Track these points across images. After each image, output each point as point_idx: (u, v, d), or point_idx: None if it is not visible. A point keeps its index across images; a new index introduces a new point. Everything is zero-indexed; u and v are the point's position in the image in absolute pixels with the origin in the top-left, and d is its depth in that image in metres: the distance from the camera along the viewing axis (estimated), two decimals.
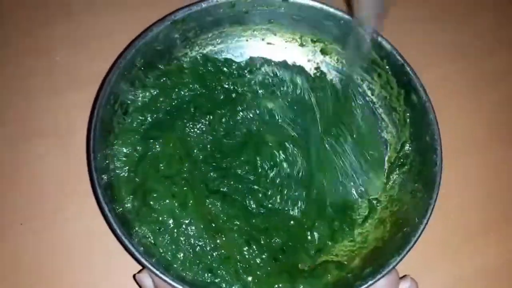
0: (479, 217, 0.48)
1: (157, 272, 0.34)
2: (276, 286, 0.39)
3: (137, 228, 0.39)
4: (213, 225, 0.41)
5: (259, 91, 0.48)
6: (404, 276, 0.40)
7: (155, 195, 0.40)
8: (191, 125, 0.45)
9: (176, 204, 0.40)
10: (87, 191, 0.42)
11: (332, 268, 0.40)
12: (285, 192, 0.44)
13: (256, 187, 0.44)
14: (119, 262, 0.41)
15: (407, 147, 0.45)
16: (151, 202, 0.40)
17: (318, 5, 0.45)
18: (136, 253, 0.34)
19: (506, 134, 0.53)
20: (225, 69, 0.48)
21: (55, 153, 0.45)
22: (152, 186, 0.40)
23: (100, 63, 0.46)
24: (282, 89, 0.48)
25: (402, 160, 0.45)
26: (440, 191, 0.39)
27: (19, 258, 0.41)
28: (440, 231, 0.46)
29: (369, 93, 0.48)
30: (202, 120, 0.45)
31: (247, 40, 0.49)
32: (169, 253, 0.39)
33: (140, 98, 0.44)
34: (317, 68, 0.49)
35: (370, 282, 0.36)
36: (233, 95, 0.47)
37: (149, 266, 0.34)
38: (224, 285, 0.38)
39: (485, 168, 0.51)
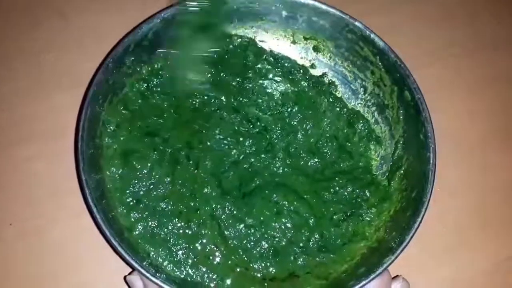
0: (474, 219, 0.48)
1: (147, 275, 0.33)
2: None
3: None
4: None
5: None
6: (396, 276, 0.39)
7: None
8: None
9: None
10: (76, 193, 0.41)
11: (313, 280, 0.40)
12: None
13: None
14: (110, 264, 0.40)
15: (400, 145, 0.44)
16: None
17: (310, 2, 0.44)
18: (127, 256, 0.34)
19: (501, 135, 0.53)
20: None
21: (44, 155, 0.44)
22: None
23: (89, 64, 0.45)
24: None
25: (397, 164, 0.44)
26: (435, 193, 0.39)
27: (8, 260, 0.41)
28: (434, 233, 0.46)
29: (362, 91, 0.48)
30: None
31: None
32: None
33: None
34: (311, 66, 0.49)
35: (363, 282, 0.35)
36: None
37: (140, 268, 0.34)
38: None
39: (480, 170, 0.50)
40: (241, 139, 0.44)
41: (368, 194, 0.43)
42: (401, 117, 0.44)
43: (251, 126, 0.46)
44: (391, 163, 0.45)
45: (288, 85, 0.48)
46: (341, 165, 0.45)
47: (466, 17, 0.58)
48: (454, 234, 0.47)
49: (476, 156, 0.51)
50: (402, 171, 0.43)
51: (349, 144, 0.46)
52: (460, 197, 0.49)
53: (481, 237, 0.47)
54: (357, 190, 0.44)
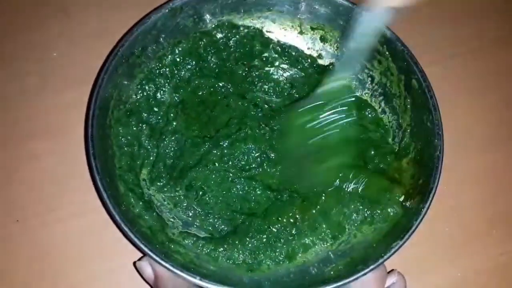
0: (479, 217, 0.48)
1: (158, 259, 0.34)
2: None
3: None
4: None
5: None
6: (392, 270, 0.39)
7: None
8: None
9: None
10: (84, 189, 0.42)
11: None
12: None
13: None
14: (118, 254, 0.41)
15: (407, 134, 0.44)
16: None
17: None
18: (137, 241, 0.34)
19: (506, 132, 0.52)
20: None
21: (51, 151, 0.45)
22: None
23: (94, 61, 0.45)
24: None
25: (404, 153, 0.44)
26: (439, 191, 0.38)
27: (15, 256, 0.41)
28: (438, 231, 0.46)
29: (369, 80, 0.48)
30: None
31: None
32: None
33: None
34: (318, 56, 0.49)
35: (372, 267, 0.35)
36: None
37: (150, 253, 0.34)
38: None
39: (485, 167, 0.50)
40: (248, 122, 0.44)
41: (389, 160, 0.44)
42: (408, 106, 0.44)
43: (259, 109, 0.46)
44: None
45: (295, 70, 0.48)
46: (361, 136, 0.45)
47: (470, 15, 0.58)
48: (458, 232, 0.47)
49: (481, 155, 0.51)
50: (408, 158, 0.43)
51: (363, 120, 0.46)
52: (465, 195, 0.48)
53: (489, 237, 0.47)
54: (378, 156, 0.44)
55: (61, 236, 0.42)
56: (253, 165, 0.43)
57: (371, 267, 0.35)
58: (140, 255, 0.39)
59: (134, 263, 0.38)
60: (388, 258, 0.36)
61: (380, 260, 0.36)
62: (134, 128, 0.43)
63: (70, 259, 0.41)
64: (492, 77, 0.55)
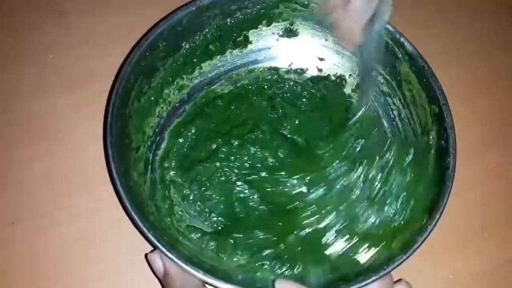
0: (472, 220, 0.48)
1: (168, 254, 0.34)
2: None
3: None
4: None
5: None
6: (399, 280, 0.39)
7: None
8: None
9: None
10: (78, 194, 0.43)
11: None
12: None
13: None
14: (114, 258, 0.42)
15: None
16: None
17: None
18: (149, 234, 0.34)
19: (501, 137, 0.53)
20: None
21: (47, 155, 0.45)
22: None
23: (90, 65, 0.46)
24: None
25: None
26: None
27: (9, 260, 0.41)
28: (434, 235, 0.45)
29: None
30: None
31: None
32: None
33: None
34: (320, 70, 0.51)
35: (373, 278, 0.36)
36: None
37: (160, 247, 0.34)
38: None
39: (478, 171, 0.51)
40: (262, 126, 0.46)
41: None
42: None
43: (275, 111, 0.48)
44: None
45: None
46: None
47: (466, 20, 0.58)
48: (454, 236, 0.47)
49: (479, 158, 0.51)
50: None
51: None
52: (458, 199, 0.47)
53: (481, 240, 0.48)
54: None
55: (56, 238, 0.42)
56: (254, 170, 0.44)
57: (373, 278, 0.36)
58: (144, 252, 0.40)
59: (146, 255, 0.39)
60: (390, 271, 0.36)
61: (382, 272, 0.36)
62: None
63: (65, 261, 0.41)
64: (486, 81, 0.56)
